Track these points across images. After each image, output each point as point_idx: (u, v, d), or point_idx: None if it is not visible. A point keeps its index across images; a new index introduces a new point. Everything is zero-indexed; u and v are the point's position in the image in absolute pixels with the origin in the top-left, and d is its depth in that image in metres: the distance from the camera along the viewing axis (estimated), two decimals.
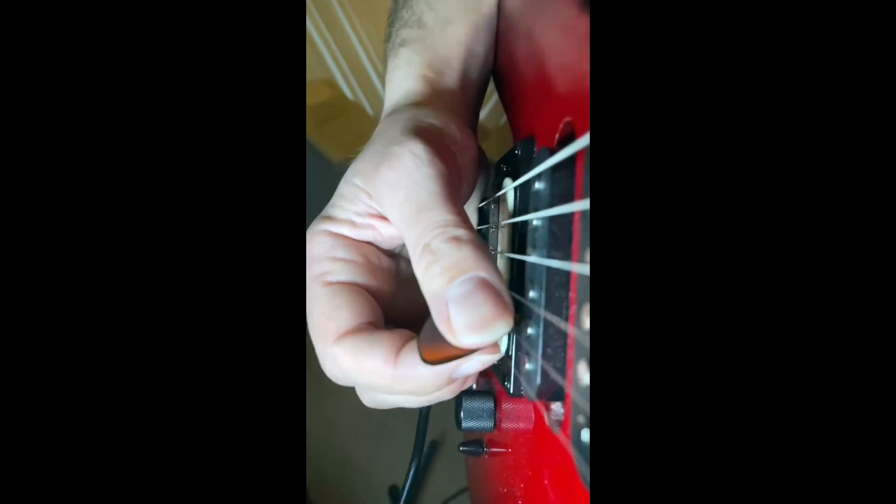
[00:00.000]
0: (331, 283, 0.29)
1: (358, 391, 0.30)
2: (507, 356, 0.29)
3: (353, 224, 0.30)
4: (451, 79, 0.36)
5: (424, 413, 0.47)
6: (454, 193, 0.27)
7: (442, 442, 0.68)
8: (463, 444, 0.39)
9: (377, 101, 0.84)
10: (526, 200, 0.26)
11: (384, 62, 0.39)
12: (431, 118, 0.31)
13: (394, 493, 0.64)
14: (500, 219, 0.32)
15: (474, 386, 0.41)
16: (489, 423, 0.31)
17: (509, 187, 0.29)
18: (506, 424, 0.31)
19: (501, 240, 0.31)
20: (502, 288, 0.24)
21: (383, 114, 0.35)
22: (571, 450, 0.20)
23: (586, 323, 0.18)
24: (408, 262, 0.32)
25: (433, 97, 0.34)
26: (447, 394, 0.29)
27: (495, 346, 0.25)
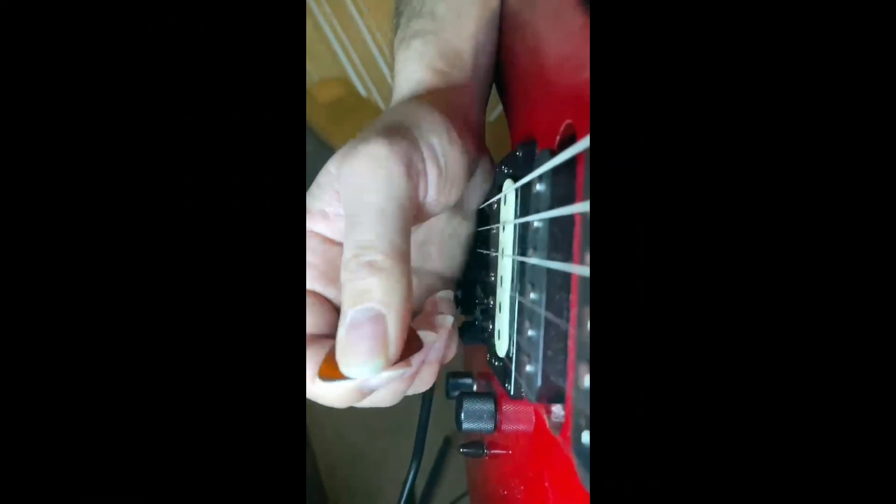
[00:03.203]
0: None
1: None
2: (508, 358, 0.29)
3: (325, 216, 0.30)
4: (463, 72, 0.35)
5: (424, 416, 0.47)
6: (399, 208, 0.26)
7: (456, 437, 0.68)
8: (463, 446, 0.39)
9: (391, 99, 0.84)
10: (527, 202, 0.26)
11: (392, 51, 0.38)
12: (420, 117, 0.30)
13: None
14: (501, 221, 0.32)
15: (476, 388, 0.41)
16: (490, 425, 0.31)
17: (510, 189, 0.29)
18: (506, 426, 0.31)
19: (503, 242, 0.31)
20: (394, 329, 0.24)
21: (392, 104, 0.35)
22: (571, 453, 0.20)
23: (587, 325, 0.18)
24: None
25: (441, 91, 0.34)
26: (388, 400, 0.29)
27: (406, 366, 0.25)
